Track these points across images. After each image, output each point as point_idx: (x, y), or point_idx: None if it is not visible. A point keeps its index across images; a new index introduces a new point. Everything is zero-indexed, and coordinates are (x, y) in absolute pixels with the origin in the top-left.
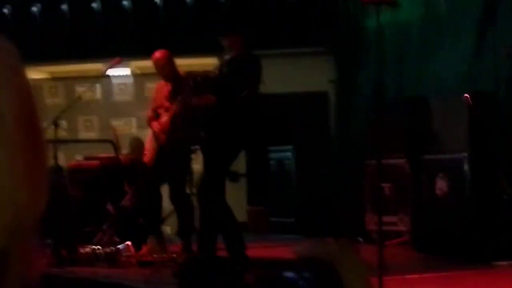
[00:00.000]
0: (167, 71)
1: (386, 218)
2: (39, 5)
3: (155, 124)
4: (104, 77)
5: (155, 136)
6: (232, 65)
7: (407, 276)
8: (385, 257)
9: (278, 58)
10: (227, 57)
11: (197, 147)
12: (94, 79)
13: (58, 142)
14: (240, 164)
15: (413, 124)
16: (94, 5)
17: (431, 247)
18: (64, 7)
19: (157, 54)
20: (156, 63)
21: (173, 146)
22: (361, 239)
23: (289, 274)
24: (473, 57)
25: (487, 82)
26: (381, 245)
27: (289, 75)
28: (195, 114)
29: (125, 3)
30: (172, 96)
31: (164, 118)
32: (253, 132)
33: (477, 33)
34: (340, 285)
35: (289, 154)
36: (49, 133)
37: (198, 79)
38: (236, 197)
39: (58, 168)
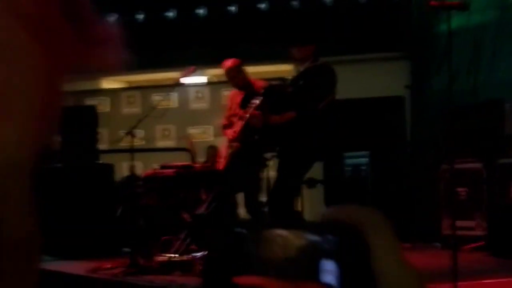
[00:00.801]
0: (237, 79)
1: (462, 223)
2: (115, 15)
3: (229, 132)
4: (181, 85)
5: (229, 143)
6: (307, 77)
7: (483, 281)
8: (461, 262)
9: (353, 64)
10: (301, 68)
11: (273, 153)
12: (170, 88)
13: (135, 151)
14: (316, 171)
15: (488, 128)
16: (169, 13)
17: (508, 251)
18: (140, 16)
19: (227, 63)
20: (227, 72)
21: (246, 153)
22: (438, 244)
23: (312, 237)
24: None
25: None
26: (455, 249)
27: (364, 81)
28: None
29: (200, 11)
30: (245, 104)
31: (238, 126)
32: (329, 143)
33: None
34: (366, 250)
35: (365, 159)
36: (126, 142)
37: (272, 92)
38: (313, 202)
39: (134, 177)
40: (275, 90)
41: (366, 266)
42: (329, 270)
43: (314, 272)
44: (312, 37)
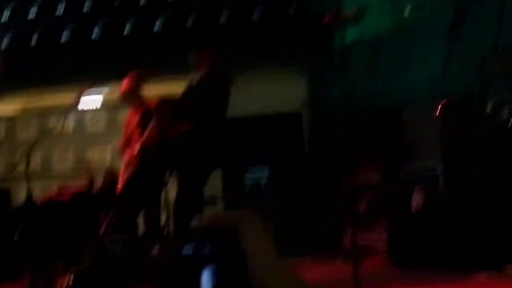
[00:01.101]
0: (135, 100)
1: (363, 235)
2: (9, 34)
3: (128, 153)
4: (77, 108)
5: (128, 164)
6: (202, 86)
7: None
8: (363, 274)
9: (251, 80)
10: (196, 76)
11: (171, 172)
12: (66, 111)
13: (31, 176)
14: (216, 187)
15: (388, 136)
16: (63, 36)
17: (410, 261)
18: (34, 39)
19: (124, 84)
20: (124, 94)
21: (145, 173)
22: (341, 257)
23: (188, 247)
24: (445, 65)
25: (459, 90)
26: (356, 261)
27: (262, 97)
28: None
29: (94, 32)
30: (143, 123)
31: (136, 146)
32: (226, 152)
33: (447, 42)
34: (243, 255)
35: (264, 174)
36: (22, 167)
37: (169, 106)
38: None
39: (31, 203)
40: (169, 103)
41: (243, 271)
42: (206, 279)
43: (195, 282)
44: (209, 43)
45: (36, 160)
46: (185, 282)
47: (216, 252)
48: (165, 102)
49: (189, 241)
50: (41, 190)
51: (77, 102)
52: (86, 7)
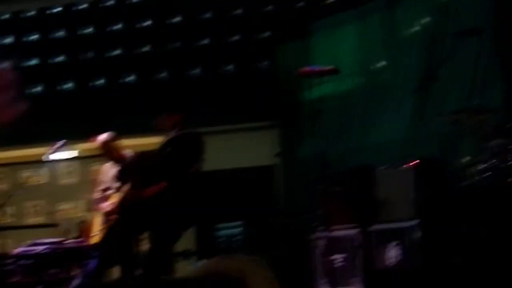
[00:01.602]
0: (113, 153)
1: None
2: None
3: (106, 205)
4: (50, 161)
5: (105, 217)
6: (174, 144)
7: None
8: None
9: (222, 134)
10: (169, 136)
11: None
12: (39, 163)
13: (4, 229)
14: (190, 242)
15: (360, 194)
16: (36, 89)
17: None
18: None
19: (102, 137)
20: (102, 147)
21: (121, 228)
22: None
23: None
24: (416, 123)
25: (432, 148)
26: None
27: (233, 151)
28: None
29: (67, 86)
30: (121, 177)
31: (114, 198)
32: (200, 209)
33: (419, 99)
34: None
35: (238, 230)
36: None
37: (143, 159)
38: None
39: (4, 256)
40: (145, 157)
41: None
42: None
43: None
44: (178, 106)
45: (10, 211)
46: None
47: None
48: (143, 155)
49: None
50: (15, 243)
51: (50, 154)
52: (58, 60)
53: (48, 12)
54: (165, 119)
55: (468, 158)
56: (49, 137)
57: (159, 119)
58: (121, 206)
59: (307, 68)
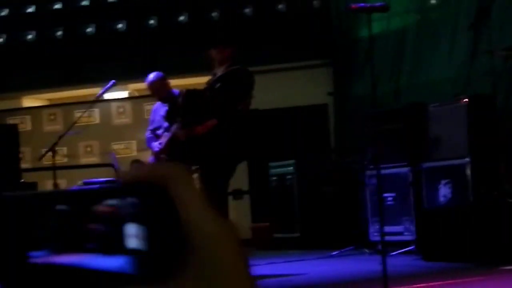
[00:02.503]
0: (162, 93)
1: (390, 228)
2: (34, 32)
3: (155, 144)
4: (102, 101)
5: (156, 156)
6: (224, 80)
7: (414, 286)
8: (391, 267)
9: (275, 73)
10: (218, 72)
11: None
12: (91, 104)
13: (57, 168)
14: (242, 181)
15: (412, 132)
16: (88, 29)
17: (438, 255)
18: (59, 33)
19: (150, 77)
20: (150, 86)
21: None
22: (367, 250)
23: (110, 202)
24: (469, 61)
25: (484, 85)
26: (384, 255)
27: (287, 90)
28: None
29: (119, 26)
30: (170, 116)
31: (164, 138)
32: (251, 145)
33: (472, 36)
34: (174, 211)
35: (290, 168)
36: (49, 160)
37: (192, 97)
38: (239, 214)
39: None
40: (193, 94)
41: (174, 224)
42: (134, 235)
43: (119, 239)
44: (230, 39)
45: (63, 152)
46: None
47: (145, 207)
48: (192, 92)
49: (112, 195)
50: (67, 183)
51: (101, 96)
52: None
53: None
54: (215, 52)
55: None
56: (101, 78)
57: (210, 52)
58: (171, 145)
59: (356, 5)
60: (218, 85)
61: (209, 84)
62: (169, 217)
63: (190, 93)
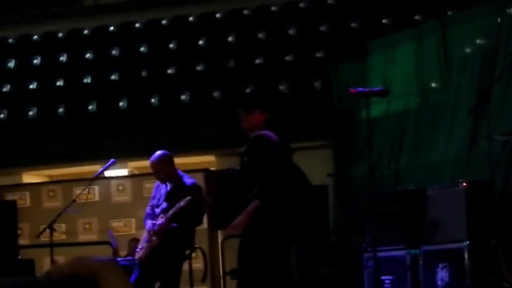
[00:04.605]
0: (164, 174)
1: None
2: (35, 108)
3: (150, 223)
4: (102, 178)
5: (149, 236)
6: (248, 150)
7: None
8: None
9: None
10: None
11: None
12: (91, 181)
13: (55, 245)
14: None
15: (411, 215)
16: (89, 107)
17: None
18: (60, 110)
19: (154, 158)
20: (153, 167)
21: (167, 248)
22: None
23: None
24: (468, 144)
25: (483, 169)
26: None
27: None
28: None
29: (121, 104)
30: (171, 197)
31: (160, 220)
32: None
33: (471, 121)
34: None
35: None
36: (48, 237)
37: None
38: None
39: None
40: (216, 174)
41: None
42: None
43: None
44: (256, 102)
45: (61, 229)
46: None
47: None
48: (214, 174)
49: None
50: (65, 259)
51: (101, 173)
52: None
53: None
54: (245, 118)
55: None
56: (101, 155)
57: (241, 119)
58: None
59: (356, 89)
60: (245, 158)
61: (241, 154)
62: None
63: (213, 174)
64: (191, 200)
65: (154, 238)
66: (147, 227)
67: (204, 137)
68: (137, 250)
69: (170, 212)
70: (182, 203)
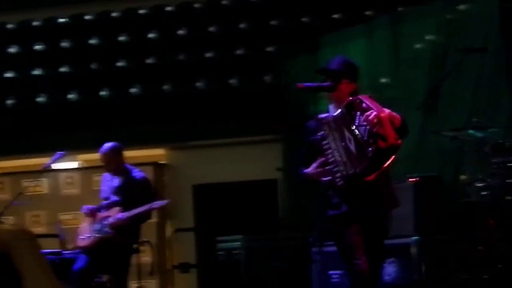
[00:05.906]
0: (114, 165)
1: None
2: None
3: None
4: (51, 171)
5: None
6: None
7: None
8: None
9: (226, 147)
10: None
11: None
12: (40, 173)
13: None
14: (190, 255)
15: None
16: (39, 99)
17: None
18: (9, 102)
19: (104, 149)
20: (103, 158)
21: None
22: None
23: None
24: (419, 140)
25: (432, 166)
26: None
27: (237, 164)
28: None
29: (70, 96)
30: (121, 191)
31: (120, 214)
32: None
33: (423, 116)
34: (16, 275)
35: (238, 243)
36: None
37: None
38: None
39: None
40: None
41: None
42: None
43: None
44: None
45: (9, 222)
46: None
47: None
48: None
49: None
50: None
51: (50, 166)
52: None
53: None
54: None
55: (468, 175)
56: (50, 147)
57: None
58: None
59: (304, 84)
60: None
61: None
62: (11, 282)
63: None
64: (153, 207)
65: (108, 230)
66: (84, 210)
67: (154, 131)
68: (81, 237)
69: (135, 211)
70: (146, 207)
